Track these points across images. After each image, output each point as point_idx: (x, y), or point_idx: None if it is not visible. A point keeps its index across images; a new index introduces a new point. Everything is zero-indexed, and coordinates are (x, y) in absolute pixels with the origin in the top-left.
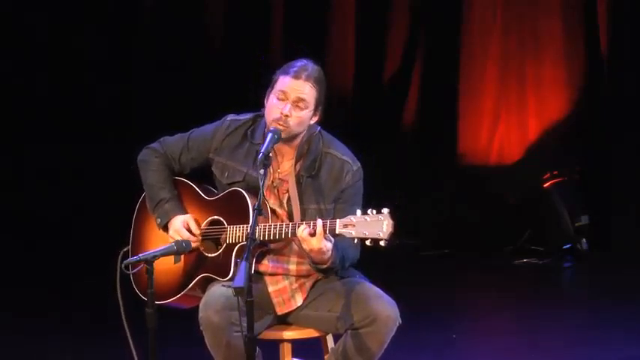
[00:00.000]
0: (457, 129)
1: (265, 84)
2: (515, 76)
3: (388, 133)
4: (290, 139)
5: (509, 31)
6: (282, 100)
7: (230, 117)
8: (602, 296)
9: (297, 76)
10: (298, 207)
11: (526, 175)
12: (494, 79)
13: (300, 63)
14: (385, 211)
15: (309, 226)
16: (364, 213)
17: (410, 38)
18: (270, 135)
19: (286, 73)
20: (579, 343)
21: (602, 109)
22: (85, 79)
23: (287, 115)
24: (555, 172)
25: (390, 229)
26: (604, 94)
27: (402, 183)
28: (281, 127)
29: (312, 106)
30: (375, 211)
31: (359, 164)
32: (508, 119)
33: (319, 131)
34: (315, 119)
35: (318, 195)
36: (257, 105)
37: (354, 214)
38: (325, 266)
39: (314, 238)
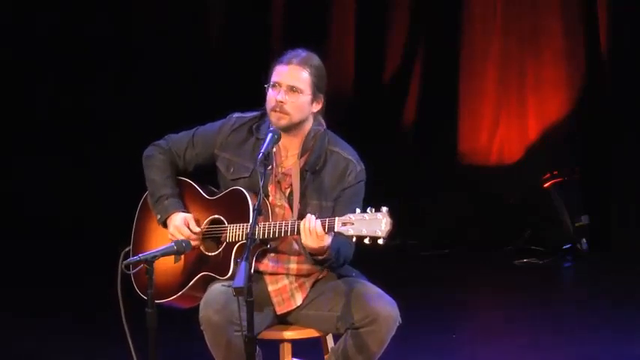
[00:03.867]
0: (457, 129)
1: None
2: (515, 76)
3: (388, 133)
4: (293, 128)
5: (509, 31)
6: (276, 88)
7: (236, 115)
8: (602, 296)
9: (288, 62)
10: (299, 202)
11: (526, 175)
12: (494, 78)
13: (293, 51)
14: (384, 209)
15: (311, 221)
16: (363, 211)
17: (410, 38)
18: (270, 135)
19: (279, 62)
20: (579, 343)
21: (602, 109)
22: (84, 81)
23: (282, 102)
24: (555, 172)
25: (389, 228)
26: (604, 94)
27: (402, 183)
28: (279, 116)
29: (308, 91)
30: (373, 210)
31: (363, 166)
32: (508, 119)
33: (325, 130)
34: (317, 107)
35: (319, 191)
36: (257, 106)
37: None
38: (322, 257)
39: (314, 234)
